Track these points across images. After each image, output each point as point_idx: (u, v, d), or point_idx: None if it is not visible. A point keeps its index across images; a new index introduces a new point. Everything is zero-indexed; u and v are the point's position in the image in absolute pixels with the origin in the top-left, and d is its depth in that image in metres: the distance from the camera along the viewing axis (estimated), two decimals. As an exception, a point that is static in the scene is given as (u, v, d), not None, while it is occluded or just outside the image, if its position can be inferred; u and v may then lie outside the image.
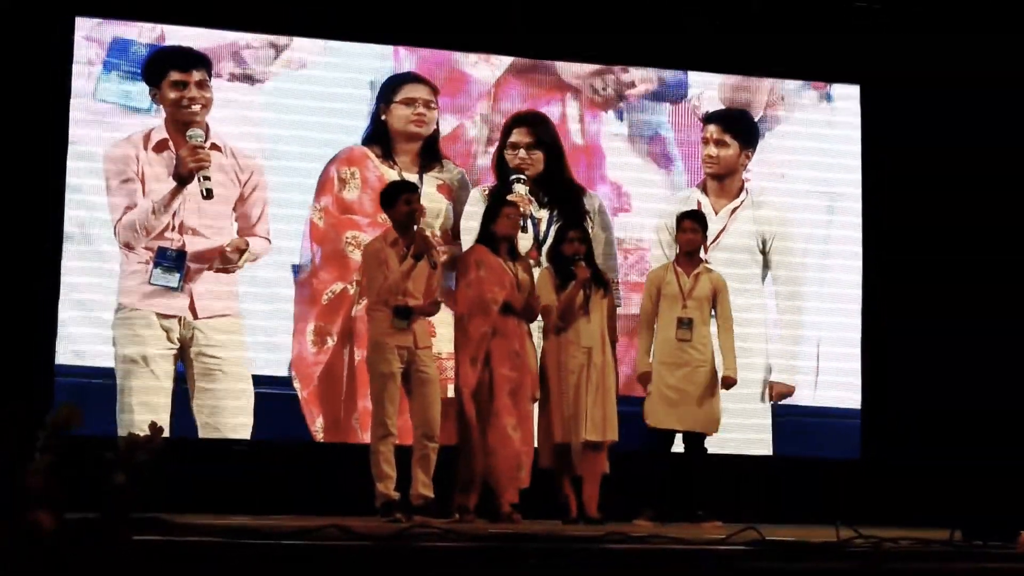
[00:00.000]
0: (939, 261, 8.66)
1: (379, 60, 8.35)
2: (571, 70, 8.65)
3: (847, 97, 8.98)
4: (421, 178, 8.18)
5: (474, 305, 7.10)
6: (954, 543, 5.45)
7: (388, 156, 8.22)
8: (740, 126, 8.75)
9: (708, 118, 8.71)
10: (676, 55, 8.70)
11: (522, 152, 8.29)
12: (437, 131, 8.34)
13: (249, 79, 8.14)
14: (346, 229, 8.09)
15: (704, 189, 8.68)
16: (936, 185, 8.67)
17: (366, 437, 7.84)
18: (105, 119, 7.87)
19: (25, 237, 7.66)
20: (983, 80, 8.63)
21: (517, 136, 8.34)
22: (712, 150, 8.68)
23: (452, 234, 8.22)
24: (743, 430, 8.36)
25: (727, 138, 8.70)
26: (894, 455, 8.59)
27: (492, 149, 8.39)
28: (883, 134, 8.87)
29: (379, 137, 8.25)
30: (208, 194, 7.77)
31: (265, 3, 8.10)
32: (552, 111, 8.55)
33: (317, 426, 8.01)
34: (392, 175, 8.05)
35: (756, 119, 8.84)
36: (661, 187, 8.69)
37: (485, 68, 8.52)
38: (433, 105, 8.32)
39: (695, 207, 8.28)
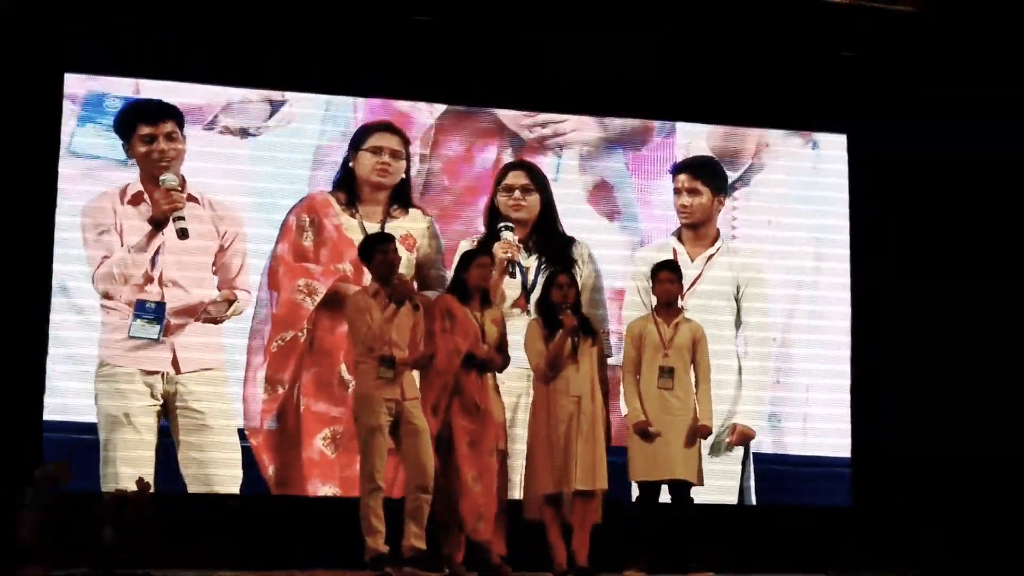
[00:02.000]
0: (927, 307, 8.67)
1: (350, 111, 8.32)
2: (511, 116, 8.55)
3: (833, 145, 9.01)
4: (383, 227, 8.14)
5: (437, 355, 7.06)
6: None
7: (351, 204, 8.18)
8: (710, 173, 8.74)
9: (677, 168, 8.70)
10: (664, 105, 8.73)
11: (516, 194, 8.30)
12: (406, 181, 8.29)
13: (237, 132, 8.14)
14: (298, 276, 8.05)
15: (680, 237, 8.67)
16: (924, 230, 8.71)
17: (308, 488, 7.85)
18: (94, 173, 7.85)
19: (13, 292, 7.62)
20: (970, 127, 8.69)
21: (512, 179, 8.35)
22: (685, 199, 8.66)
23: (414, 283, 8.08)
24: (714, 476, 8.17)
25: (698, 185, 8.69)
26: (885, 503, 8.56)
27: (428, 193, 8.32)
28: (870, 180, 8.91)
29: (346, 184, 8.21)
30: (183, 234, 7.75)
31: (244, 59, 8.14)
32: (487, 157, 8.49)
33: (270, 474, 7.92)
34: (352, 224, 8.06)
35: (744, 167, 8.84)
36: (604, 234, 8.58)
37: (424, 111, 8.42)
38: (401, 155, 8.28)
39: (671, 256, 8.30)
